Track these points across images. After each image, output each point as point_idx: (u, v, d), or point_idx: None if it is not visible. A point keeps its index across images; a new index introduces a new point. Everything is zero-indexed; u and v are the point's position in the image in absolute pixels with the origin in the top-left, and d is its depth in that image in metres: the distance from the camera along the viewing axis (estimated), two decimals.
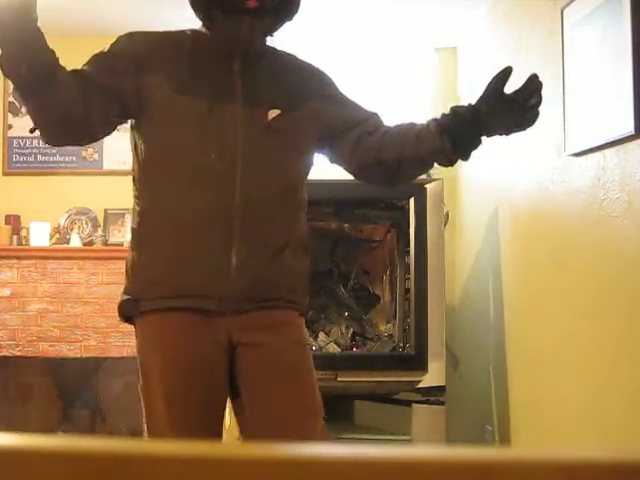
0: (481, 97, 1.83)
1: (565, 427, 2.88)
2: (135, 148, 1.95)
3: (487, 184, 3.95)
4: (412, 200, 3.71)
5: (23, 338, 4.43)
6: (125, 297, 1.91)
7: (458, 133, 1.85)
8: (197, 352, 1.84)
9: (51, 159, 4.72)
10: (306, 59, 2.08)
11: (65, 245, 4.55)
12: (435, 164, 1.98)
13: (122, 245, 4.55)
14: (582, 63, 2.68)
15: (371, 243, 4.14)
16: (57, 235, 4.61)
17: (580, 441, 2.68)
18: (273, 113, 1.89)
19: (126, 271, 1.94)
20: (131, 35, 1.93)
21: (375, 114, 2.05)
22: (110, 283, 4.46)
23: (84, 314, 4.44)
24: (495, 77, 1.80)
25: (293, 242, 1.95)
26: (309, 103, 1.97)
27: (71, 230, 4.60)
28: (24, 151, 4.72)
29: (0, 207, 4.62)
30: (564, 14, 2.81)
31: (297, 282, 1.99)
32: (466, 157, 1.89)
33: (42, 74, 1.73)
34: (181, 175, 1.85)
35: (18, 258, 4.47)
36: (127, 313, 1.91)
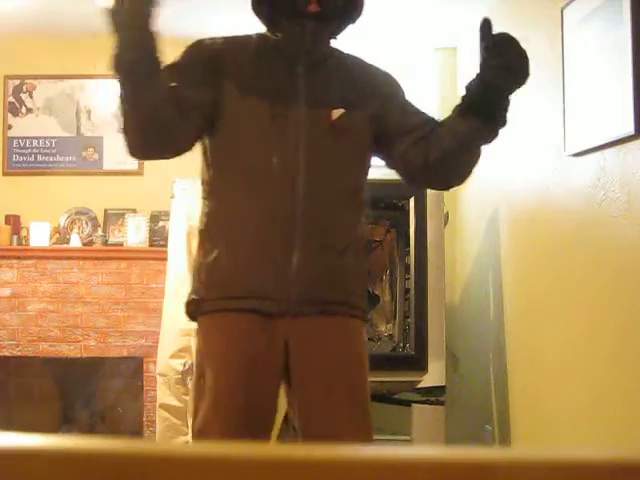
0: (480, 61, 1.81)
1: (565, 427, 2.88)
2: (204, 151, 1.95)
3: (487, 184, 3.95)
4: (412, 200, 3.71)
5: (23, 338, 4.43)
6: (191, 297, 1.93)
7: (479, 104, 1.83)
8: (253, 353, 1.84)
9: (51, 159, 4.72)
10: (372, 62, 2.08)
11: (65, 245, 4.55)
12: (482, 146, 1.92)
13: (122, 245, 4.55)
14: (582, 63, 2.68)
15: (371, 243, 4.14)
16: (57, 235, 4.61)
17: (580, 441, 2.68)
18: (337, 112, 1.88)
19: (193, 272, 1.95)
20: (199, 44, 1.95)
21: (432, 119, 2.00)
22: (110, 283, 4.46)
23: (84, 314, 4.44)
24: (480, 38, 1.78)
25: (354, 244, 1.93)
26: (372, 103, 1.95)
27: (71, 230, 4.60)
28: (24, 151, 4.72)
29: (0, 207, 4.62)
30: (564, 14, 2.81)
31: (357, 284, 1.97)
32: (502, 122, 1.84)
33: (147, 67, 1.78)
34: (245, 177, 1.86)
35: (18, 258, 4.47)
36: (191, 312, 1.93)
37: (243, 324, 1.84)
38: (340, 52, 2.02)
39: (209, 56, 1.91)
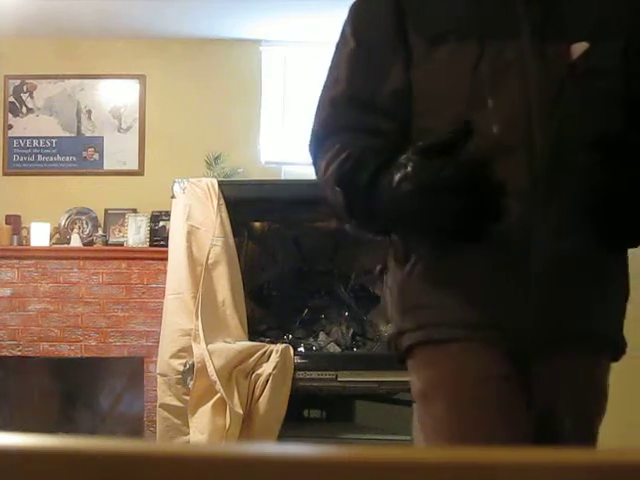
0: None
1: None
2: None
3: None
4: None
5: (23, 338, 4.43)
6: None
7: None
8: None
9: (51, 159, 4.72)
10: None
11: (65, 245, 4.55)
12: None
13: (122, 245, 4.55)
14: None
15: (372, 243, 4.14)
16: (57, 235, 4.61)
17: None
18: (579, 48, 1.22)
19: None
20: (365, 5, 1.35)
21: None
22: (110, 283, 4.46)
23: (84, 314, 4.44)
24: None
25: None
26: (632, 27, 1.29)
27: (71, 230, 4.60)
28: (24, 151, 4.72)
29: (0, 207, 4.62)
30: None
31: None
32: None
33: None
34: None
35: (18, 258, 4.47)
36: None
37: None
38: None
39: (392, 11, 1.28)
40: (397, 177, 1.14)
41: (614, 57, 1.26)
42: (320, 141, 1.32)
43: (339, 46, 1.34)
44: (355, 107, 1.29)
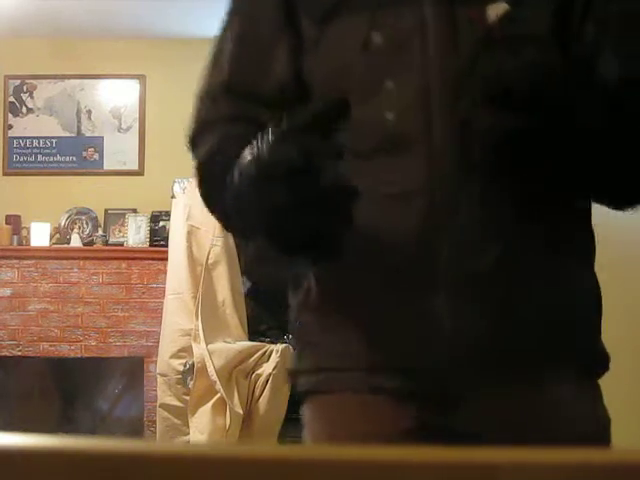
0: None
1: None
2: None
3: None
4: None
5: (23, 338, 4.43)
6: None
7: None
8: None
9: (51, 159, 4.72)
10: None
11: (65, 245, 4.55)
12: None
13: (122, 245, 4.55)
14: None
15: None
16: (57, 235, 4.61)
17: None
18: (495, 9, 0.96)
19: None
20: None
21: None
22: (110, 283, 4.46)
23: (84, 314, 4.45)
24: None
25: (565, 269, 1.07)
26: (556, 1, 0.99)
27: (71, 230, 4.60)
28: (24, 151, 4.73)
29: (0, 207, 4.63)
30: None
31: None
32: None
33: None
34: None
35: (18, 258, 4.47)
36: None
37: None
38: None
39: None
40: (246, 156, 0.88)
41: (542, 21, 0.98)
42: (196, 137, 1.10)
43: (225, 24, 1.12)
44: (236, 97, 1.08)
